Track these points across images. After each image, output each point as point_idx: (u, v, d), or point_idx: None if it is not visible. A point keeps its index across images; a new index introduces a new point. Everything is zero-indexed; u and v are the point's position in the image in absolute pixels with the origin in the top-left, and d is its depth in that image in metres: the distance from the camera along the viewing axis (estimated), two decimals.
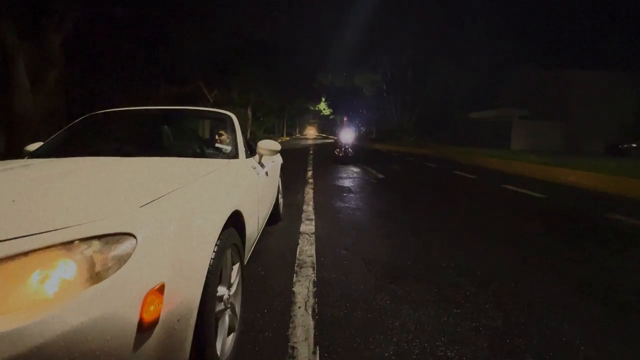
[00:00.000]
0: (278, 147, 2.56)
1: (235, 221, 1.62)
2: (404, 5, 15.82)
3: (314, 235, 3.29)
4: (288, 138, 44.21)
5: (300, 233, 3.38)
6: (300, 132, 79.78)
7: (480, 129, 26.32)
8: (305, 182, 6.60)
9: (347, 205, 4.81)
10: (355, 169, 9.37)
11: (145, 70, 12.31)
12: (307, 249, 2.90)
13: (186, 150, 2.27)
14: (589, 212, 4.83)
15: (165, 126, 2.44)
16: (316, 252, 2.84)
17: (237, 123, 2.61)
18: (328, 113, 49.66)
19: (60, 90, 6.16)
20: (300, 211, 4.30)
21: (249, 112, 24.26)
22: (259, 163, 2.56)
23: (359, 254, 2.84)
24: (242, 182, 1.95)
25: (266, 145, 2.51)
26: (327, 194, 5.58)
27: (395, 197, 5.61)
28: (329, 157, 14.11)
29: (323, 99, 42.86)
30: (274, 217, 3.58)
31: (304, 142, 31.17)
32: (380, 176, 7.89)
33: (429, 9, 15.54)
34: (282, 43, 19.00)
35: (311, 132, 73.67)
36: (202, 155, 2.17)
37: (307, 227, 3.62)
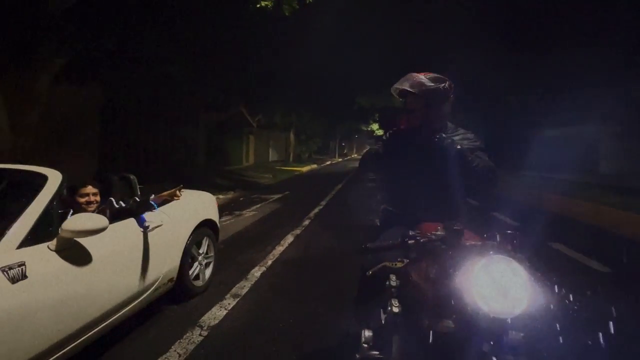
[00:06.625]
0: (98, 224, 1.75)
1: None
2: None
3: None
4: (340, 159, 43.41)
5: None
6: (358, 153, 78.46)
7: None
8: (299, 224, 5.63)
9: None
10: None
11: (181, 97, 12.56)
12: None
13: None
14: None
15: None
16: None
17: (54, 187, 1.86)
18: (381, 133, 48.01)
19: (45, 129, 6.11)
20: (242, 276, 3.41)
21: (292, 135, 24.14)
22: (56, 250, 1.69)
23: None
24: None
25: (73, 225, 1.70)
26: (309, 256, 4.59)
27: None
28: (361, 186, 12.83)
29: (372, 121, 41.47)
30: (179, 293, 2.75)
31: (352, 165, 29.69)
32: None
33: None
34: (319, 67, 18.49)
35: None
36: None
37: (218, 312, 2.70)
